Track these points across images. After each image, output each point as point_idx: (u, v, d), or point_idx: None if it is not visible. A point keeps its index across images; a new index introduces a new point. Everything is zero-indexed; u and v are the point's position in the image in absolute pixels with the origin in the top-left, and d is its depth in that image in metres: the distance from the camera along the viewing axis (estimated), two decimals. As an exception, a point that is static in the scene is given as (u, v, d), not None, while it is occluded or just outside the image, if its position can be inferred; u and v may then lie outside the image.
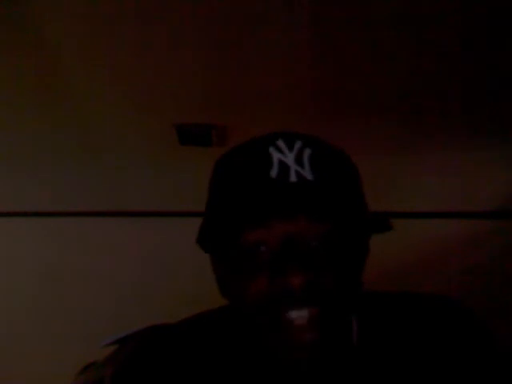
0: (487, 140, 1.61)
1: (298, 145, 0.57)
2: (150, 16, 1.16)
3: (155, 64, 1.32)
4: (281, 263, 0.53)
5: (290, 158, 0.56)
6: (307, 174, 0.55)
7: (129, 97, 1.45)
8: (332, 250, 0.55)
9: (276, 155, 0.56)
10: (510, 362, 0.65)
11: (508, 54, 1.24)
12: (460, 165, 1.72)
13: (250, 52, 1.26)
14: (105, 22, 1.18)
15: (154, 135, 1.62)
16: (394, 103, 1.45)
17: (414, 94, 1.41)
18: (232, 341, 0.64)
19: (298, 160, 0.56)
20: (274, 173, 0.55)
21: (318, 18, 1.16)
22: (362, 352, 0.62)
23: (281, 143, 0.57)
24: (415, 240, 1.91)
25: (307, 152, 0.57)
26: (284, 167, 0.55)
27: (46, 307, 2.06)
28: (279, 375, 0.58)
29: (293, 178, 0.54)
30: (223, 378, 0.62)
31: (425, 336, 0.63)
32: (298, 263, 0.52)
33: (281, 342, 0.55)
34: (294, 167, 0.55)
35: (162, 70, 1.34)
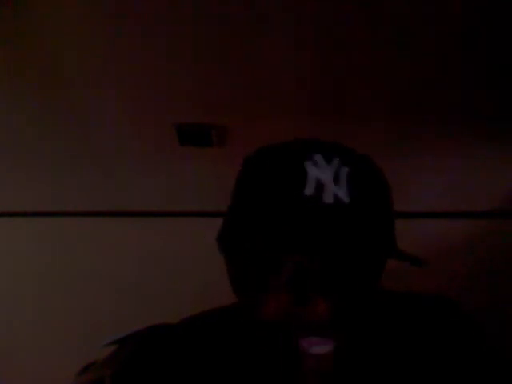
0: (487, 140, 1.61)
1: (335, 162, 0.54)
2: (150, 16, 1.15)
3: (155, 64, 1.32)
4: (306, 286, 0.51)
5: (326, 176, 0.52)
6: (344, 195, 0.52)
7: (129, 97, 1.45)
8: (357, 274, 0.53)
9: (312, 171, 0.53)
10: (505, 363, 0.65)
11: (508, 54, 1.24)
12: (460, 165, 1.71)
13: (250, 52, 1.26)
14: (105, 23, 1.18)
15: (154, 135, 1.62)
16: (394, 103, 1.45)
17: (414, 94, 1.41)
18: (232, 341, 0.64)
19: (335, 179, 0.52)
20: (308, 191, 0.52)
21: (318, 18, 1.16)
22: (362, 350, 0.62)
23: (318, 158, 0.54)
24: (415, 240, 1.90)
25: (345, 171, 0.53)
26: (320, 185, 0.52)
27: (46, 307, 2.06)
28: (279, 379, 0.58)
29: (328, 198, 0.51)
30: (223, 378, 0.62)
31: (422, 335, 0.63)
32: (325, 288, 0.51)
33: (293, 365, 0.53)
34: (330, 187, 0.52)
35: (162, 70, 1.34)
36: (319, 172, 0.53)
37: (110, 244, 2.02)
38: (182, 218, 1.92)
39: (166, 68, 1.33)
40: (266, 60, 1.29)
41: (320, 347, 0.52)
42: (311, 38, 1.22)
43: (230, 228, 0.58)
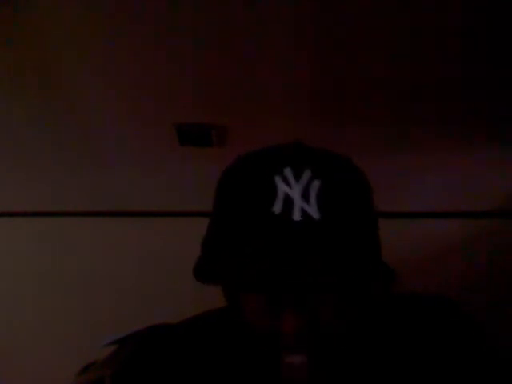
0: (487, 140, 1.61)
1: (306, 175, 0.52)
2: (150, 16, 1.15)
3: (155, 64, 1.32)
4: (277, 305, 0.52)
5: (296, 192, 0.51)
6: (313, 211, 0.50)
7: (129, 97, 1.45)
8: (331, 296, 0.53)
9: (282, 187, 0.51)
10: (505, 363, 0.65)
11: (508, 53, 1.24)
12: (460, 165, 1.71)
13: (250, 52, 1.26)
14: (105, 23, 1.18)
15: (154, 135, 1.62)
16: (394, 103, 1.45)
17: (415, 94, 1.41)
18: (231, 342, 0.64)
19: (305, 194, 0.51)
20: (277, 208, 0.50)
21: (318, 17, 1.16)
22: (361, 352, 0.62)
23: (288, 172, 0.52)
24: (415, 240, 1.91)
25: (316, 185, 0.51)
26: (289, 202, 0.51)
27: (46, 307, 2.06)
28: (275, 379, 0.58)
29: (296, 216, 0.50)
30: (222, 378, 0.62)
31: (421, 336, 0.63)
32: (294, 310, 0.51)
33: (277, 375, 0.54)
34: (299, 203, 0.50)
35: (162, 70, 1.34)
36: (288, 188, 0.51)
37: (110, 244, 2.02)
38: (182, 218, 1.93)
39: (166, 68, 1.33)
40: (266, 60, 1.29)
41: (293, 360, 0.53)
42: (311, 37, 1.22)
43: (204, 252, 0.59)
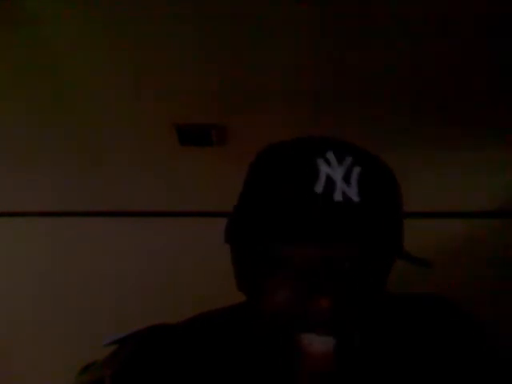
0: (487, 140, 1.61)
1: (348, 160, 0.54)
2: (150, 16, 1.15)
3: (155, 64, 1.32)
4: (312, 282, 0.51)
5: (338, 174, 0.52)
6: (353, 194, 0.52)
7: (129, 97, 1.45)
8: (363, 274, 0.53)
9: (324, 168, 0.53)
10: (505, 363, 0.65)
11: (508, 54, 1.24)
12: (460, 165, 1.71)
13: (250, 52, 1.26)
14: (104, 22, 1.18)
15: (154, 135, 1.62)
16: (394, 103, 1.45)
17: (414, 94, 1.41)
18: (233, 342, 0.64)
19: (346, 178, 0.52)
20: (319, 188, 0.52)
21: (318, 17, 1.16)
22: (363, 353, 0.62)
23: (331, 156, 0.54)
24: (415, 240, 1.90)
25: (356, 170, 0.53)
26: (330, 183, 0.52)
27: (46, 307, 2.06)
28: (279, 379, 0.58)
29: (338, 196, 0.51)
30: (222, 379, 0.62)
31: (421, 337, 0.63)
32: (330, 285, 0.51)
33: (293, 363, 0.53)
34: (340, 185, 0.52)
35: (162, 70, 1.34)
36: (331, 170, 0.53)
37: (110, 244, 2.02)
38: (182, 218, 1.92)
39: (166, 68, 1.33)
40: (266, 60, 1.29)
41: (321, 345, 0.52)
42: (311, 37, 1.22)
43: (237, 220, 0.58)
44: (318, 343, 0.52)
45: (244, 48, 1.25)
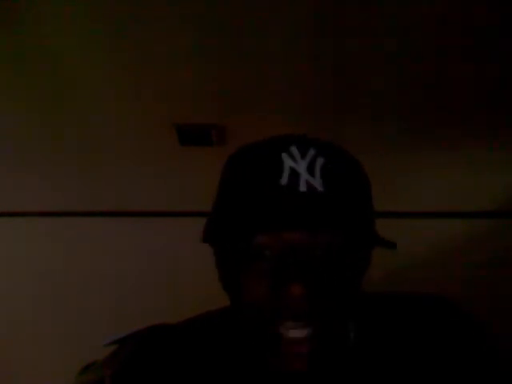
0: (487, 140, 1.61)
1: (311, 152, 0.56)
2: (150, 16, 1.16)
3: (155, 64, 1.32)
4: (283, 270, 0.53)
5: (301, 166, 0.55)
6: (317, 184, 0.54)
7: (129, 97, 1.45)
8: (335, 261, 0.54)
9: (288, 162, 0.55)
10: (505, 363, 0.65)
11: (509, 54, 1.24)
12: (460, 165, 1.72)
13: (250, 52, 1.27)
14: (105, 23, 1.18)
15: (154, 135, 1.62)
16: (395, 103, 1.45)
17: (414, 94, 1.41)
18: (232, 342, 0.64)
19: (310, 169, 0.55)
20: (284, 180, 0.54)
21: (318, 17, 1.16)
22: (359, 353, 0.62)
23: (294, 150, 0.56)
24: (415, 240, 1.91)
25: (320, 161, 0.55)
26: (295, 175, 0.54)
27: (46, 307, 2.06)
28: (277, 378, 0.58)
29: (303, 187, 0.54)
30: (222, 379, 0.62)
31: (421, 337, 0.63)
32: (301, 272, 0.52)
33: (276, 353, 0.55)
34: (304, 176, 0.54)
35: (162, 70, 1.34)
36: (294, 163, 0.55)
37: (110, 244, 2.02)
38: (182, 218, 1.92)
39: (166, 68, 1.33)
40: (266, 60, 1.29)
41: (297, 331, 0.53)
42: (311, 37, 1.22)
43: (214, 221, 0.60)
44: (296, 332, 0.53)
45: (244, 48, 1.25)
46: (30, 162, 1.75)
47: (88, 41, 1.24)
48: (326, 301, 0.53)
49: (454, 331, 0.64)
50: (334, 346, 0.58)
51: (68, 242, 2.02)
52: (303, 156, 0.56)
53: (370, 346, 0.62)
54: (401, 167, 1.73)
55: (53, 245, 2.03)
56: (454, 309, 0.67)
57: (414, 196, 1.86)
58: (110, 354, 0.66)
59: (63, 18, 1.17)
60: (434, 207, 1.92)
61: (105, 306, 2.01)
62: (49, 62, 1.30)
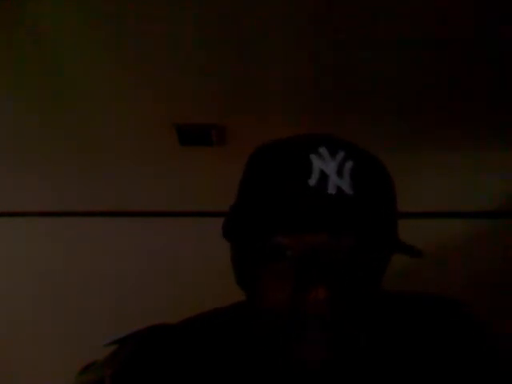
0: (487, 140, 1.61)
1: (340, 155, 0.55)
2: (150, 16, 1.16)
3: (155, 64, 1.32)
4: (305, 272, 0.52)
5: (331, 168, 0.54)
6: (347, 187, 0.53)
7: (129, 97, 1.45)
8: (357, 266, 0.53)
9: (317, 163, 0.54)
10: (506, 363, 0.65)
11: (509, 54, 1.24)
12: (460, 165, 1.71)
13: (250, 52, 1.26)
14: (105, 22, 1.18)
15: (154, 135, 1.62)
16: (394, 103, 1.45)
17: (415, 93, 1.41)
18: (233, 341, 0.64)
19: (339, 171, 0.54)
20: (312, 181, 0.53)
21: (318, 17, 1.16)
22: (371, 353, 0.61)
23: (323, 151, 0.55)
24: (415, 240, 1.90)
25: (349, 164, 0.54)
26: (324, 177, 0.53)
27: (46, 307, 2.06)
28: (282, 379, 0.58)
29: (331, 189, 0.53)
30: (223, 379, 0.62)
31: (422, 336, 0.63)
32: (324, 276, 0.51)
33: (293, 355, 0.53)
34: (334, 178, 0.53)
35: (162, 70, 1.34)
36: (324, 164, 0.54)
37: (110, 244, 2.02)
38: (182, 218, 1.92)
39: (166, 68, 1.33)
40: (267, 60, 1.29)
41: (314, 354, 0.52)
42: (311, 37, 1.22)
43: (235, 214, 0.59)
44: (316, 337, 0.52)
45: (244, 48, 1.25)
46: (30, 161, 1.75)
47: (88, 40, 1.24)
48: (348, 305, 0.53)
49: (454, 331, 0.64)
50: (351, 349, 0.57)
51: (68, 242, 2.02)
52: (332, 158, 0.54)
53: (379, 346, 0.62)
54: (401, 167, 1.72)
55: (53, 245, 2.03)
56: (454, 309, 0.67)
57: (414, 196, 1.85)
58: (110, 353, 0.66)
59: (63, 18, 1.17)
60: (434, 207, 1.92)
61: (105, 306, 2.01)
62: (49, 62, 1.30)
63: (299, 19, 1.16)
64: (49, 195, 1.91)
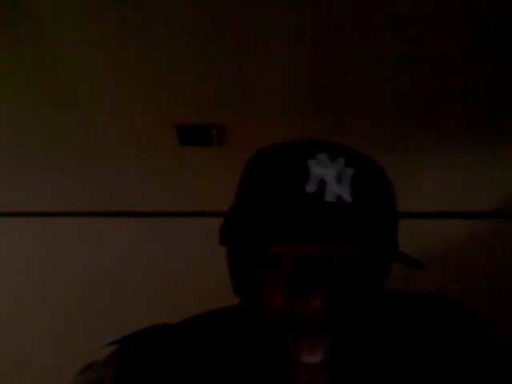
0: (487, 140, 1.61)
1: (340, 161, 0.53)
2: (150, 16, 1.16)
3: (155, 64, 1.32)
4: (301, 281, 0.51)
5: (330, 175, 0.52)
6: (346, 195, 0.52)
7: (129, 97, 1.45)
8: (355, 275, 0.53)
9: (315, 169, 0.52)
10: (506, 364, 0.65)
11: (509, 54, 1.24)
12: (460, 165, 1.71)
13: (250, 52, 1.26)
14: (105, 22, 1.18)
15: (154, 135, 1.62)
16: (395, 103, 1.45)
17: (415, 93, 1.41)
18: (233, 342, 0.64)
19: (339, 179, 0.52)
20: (310, 188, 0.51)
21: (318, 16, 1.16)
22: (372, 355, 0.61)
23: (323, 157, 0.53)
24: (415, 240, 1.90)
25: (349, 171, 0.53)
26: (322, 184, 0.52)
27: (46, 307, 2.06)
28: (280, 381, 0.58)
29: (330, 197, 0.51)
30: (223, 379, 0.62)
31: (423, 337, 0.63)
32: (320, 285, 0.50)
33: (290, 360, 0.53)
34: (332, 186, 0.52)
35: (161, 70, 1.34)
36: (322, 171, 0.52)
37: (110, 244, 2.02)
38: (182, 218, 1.92)
39: (166, 68, 1.33)
40: (266, 59, 1.29)
41: (312, 357, 0.52)
42: (311, 37, 1.22)
43: (231, 221, 0.58)
44: (308, 355, 0.52)
45: (244, 48, 1.25)
46: (30, 161, 1.75)
47: (88, 41, 1.24)
48: (345, 314, 0.52)
49: (455, 332, 0.64)
50: (350, 355, 0.56)
51: (68, 242, 2.02)
52: (332, 164, 0.53)
53: (379, 347, 0.62)
54: (401, 167, 1.72)
55: (53, 245, 2.03)
56: (453, 309, 0.67)
57: (414, 196, 1.85)
58: (110, 353, 0.66)
59: (63, 19, 1.17)
60: (434, 207, 1.92)
61: (105, 306, 2.01)
62: (49, 64, 1.30)
63: (299, 19, 1.16)
64: (49, 195, 1.91)
